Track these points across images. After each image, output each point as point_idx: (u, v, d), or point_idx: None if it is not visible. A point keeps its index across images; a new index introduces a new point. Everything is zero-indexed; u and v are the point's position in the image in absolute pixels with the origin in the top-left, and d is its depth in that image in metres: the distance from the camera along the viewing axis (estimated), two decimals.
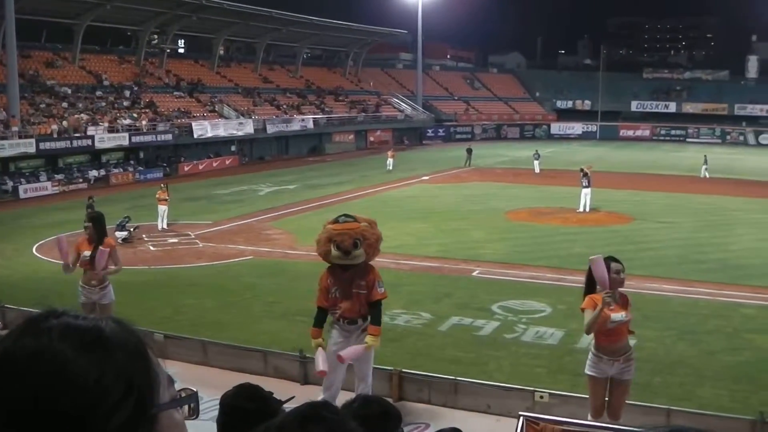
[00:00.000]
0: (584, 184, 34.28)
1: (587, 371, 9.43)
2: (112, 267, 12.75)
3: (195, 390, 1.39)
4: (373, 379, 10.49)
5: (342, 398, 8.32)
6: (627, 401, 9.72)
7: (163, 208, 29.86)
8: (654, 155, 68.83)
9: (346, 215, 10.30)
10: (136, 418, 1.17)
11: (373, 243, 10.03)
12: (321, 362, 9.71)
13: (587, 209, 34.15)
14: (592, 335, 9.39)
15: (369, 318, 10.11)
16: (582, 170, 34.94)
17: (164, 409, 1.24)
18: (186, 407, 1.38)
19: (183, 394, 1.38)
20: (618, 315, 9.07)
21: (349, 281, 9.95)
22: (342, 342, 10.06)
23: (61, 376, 1.13)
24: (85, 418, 1.12)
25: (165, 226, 29.85)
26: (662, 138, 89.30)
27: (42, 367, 1.14)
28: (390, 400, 10.65)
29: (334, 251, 9.79)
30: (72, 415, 1.12)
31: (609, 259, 9.19)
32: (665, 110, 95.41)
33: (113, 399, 1.14)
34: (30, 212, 36.17)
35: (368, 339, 9.90)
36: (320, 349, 9.90)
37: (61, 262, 12.60)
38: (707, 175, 49.88)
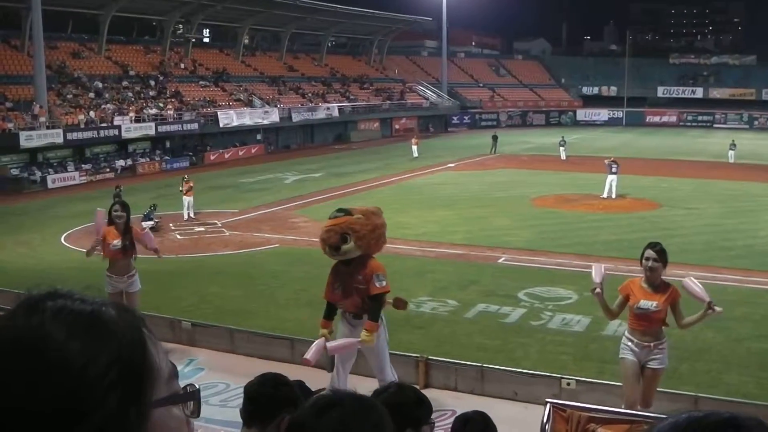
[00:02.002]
0: (612, 170, 34.08)
1: (621, 355, 9.45)
2: (157, 247, 13.75)
3: (198, 387, 1.33)
4: (395, 368, 10.41)
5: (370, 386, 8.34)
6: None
7: (187, 199, 29.95)
8: (680, 141, 68.37)
9: (339, 209, 10.02)
10: (124, 411, 1.10)
11: (366, 234, 9.67)
12: (312, 351, 9.50)
13: (613, 195, 33.98)
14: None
15: (382, 317, 10.00)
16: (610, 159, 34.90)
17: (158, 405, 1.16)
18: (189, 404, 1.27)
19: (189, 389, 1.29)
20: (646, 302, 9.03)
21: (350, 276, 9.75)
22: (348, 336, 9.97)
23: (46, 360, 1.07)
24: (69, 407, 1.06)
25: (192, 215, 29.96)
26: (689, 124, 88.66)
27: (28, 349, 1.09)
28: (416, 387, 10.68)
29: (326, 248, 9.67)
30: (55, 402, 1.06)
31: (648, 246, 9.20)
32: (692, 96, 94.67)
33: (101, 388, 1.08)
34: (58, 202, 36.45)
35: (362, 334, 9.67)
36: (321, 339, 9.71)
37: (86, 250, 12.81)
38: (735, 160, 49.57)
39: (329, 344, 9.54)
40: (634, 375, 9.31)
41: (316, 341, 9.73)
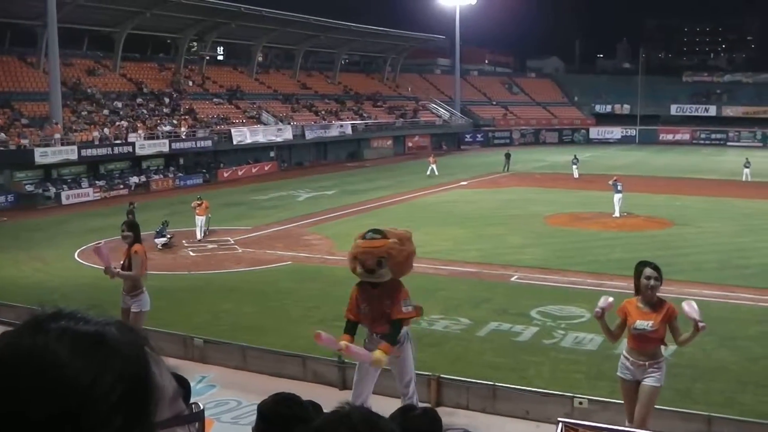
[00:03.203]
0: (618, 188, 34.01)
1: (618, 373, 9.47)
2: (118, 270, 12.67)
3: (202, 408, 1.32)
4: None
5: (387, 405, 8.33)
6: (666, 407, 9.64)
7: (200, 218, 29.69)
8: (694, 159, 68.20)
9: (374, 231, 9.86)
10: (129, 431, 1.10)
11: (401, 261, 9.67)
12: (326, 334, 9.24)
13: (617, 213, 33.85)
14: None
15: (408, 331, 9.90)
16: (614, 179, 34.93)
17: (163, 427, 1.16)
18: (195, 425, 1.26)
19: (194, 409, 1.28)
20: (642, 323, 9.02)
21: (378, 298, 9.68)
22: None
23: (51, 378, 1.08)
24: (74, 425, 1.06)
25: (201, 236, 29.48)
26: (702, 142, 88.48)
27: (31, 368, 1.09)
28: (428, 405, 10.64)
29: (358, 269, 9.59)
30: (59, 420, 1.06)
31: (644, 264, 9.19)
32: (705, 114, 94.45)
33: (106, 407, 1.08)
34: (72, 218, 36.59)
35: (377, 353, 9.42)
36: (341, 342, 9.37)
37: (102, 266, 12.68)
38: (750, 179, 49.46)
39: (352, 347, 9.35)
40: (632, 393, 9.31)
41: (335, 338, 9.44)
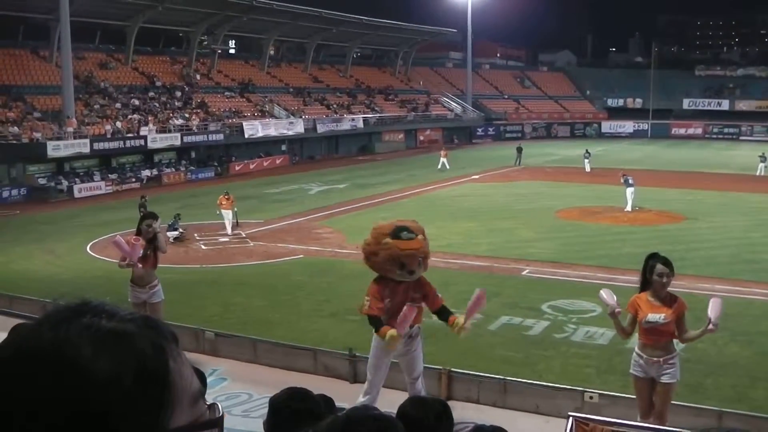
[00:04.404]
0: (629, 182, 33.93)
1: (630, 370, 9.40)
2: (161, 242, 12.94)
3: (222, 413, 1.27)
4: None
5: (393, 397, 8.35)
6: (677, 402, 9.60)
7: (227, 212, 29.40)
8: (706, 153, 67.95)
9: (406, 229, 9.66)
10: None
11: (429, 256, 9.87)
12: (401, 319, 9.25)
13: (628, 208, 33.76)
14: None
15: (420, 327, 9.90)
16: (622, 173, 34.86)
17: None
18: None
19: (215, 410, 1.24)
20: (654, 315, 8.93)
21: (404, 293, 9.63)
22: (387, 349, 9.77)
23: (65, 376, 1.06)
24: (91, 424, 1.05)
25: (231, 231, 29.20)
26: (715, 136, 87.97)
27: (48, 363, 1.07)
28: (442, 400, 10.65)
29: (398, 271, 9.46)
30: (76, 419, 1.05)
31: (655, 259, 9.11)
32: (718, 108, 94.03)
33: (118, 408, 1.06)
34: (84, 211, 36.74)
35: (459, 319, 9.56)
36: (392, 331, 9.27)
37: (118, 260, 12.70)
38: (764, 173, 49.31)
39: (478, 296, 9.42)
40: (645, 391, 9.26)
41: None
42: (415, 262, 9.45)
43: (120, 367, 1.08)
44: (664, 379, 9.09)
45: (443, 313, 9.83)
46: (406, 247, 9.41)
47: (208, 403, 1.25)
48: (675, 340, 9.25)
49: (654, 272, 8.97)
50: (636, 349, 9.36)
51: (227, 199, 29.54)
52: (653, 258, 9.14)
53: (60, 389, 1.06)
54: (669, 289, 9.12)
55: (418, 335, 9.94)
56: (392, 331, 9.26)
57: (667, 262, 9.04)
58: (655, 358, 9.08)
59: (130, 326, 1.15)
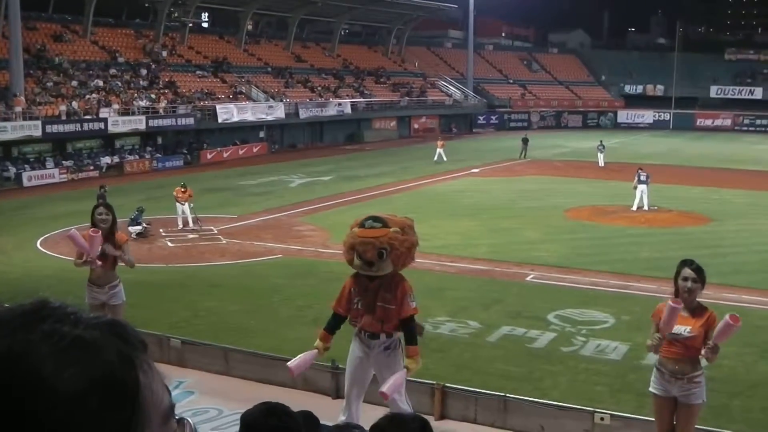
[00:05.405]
0: (641, 179, 33.96)
1: (650, 388, 9.34)
2: (120, 252, 12.51)
3: (194, 430, 1.28)
4: (408, 395, 10.30)
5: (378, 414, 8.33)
6: (700, 427, 9.59)
7: (182, 206, 29.50)
8: (735, 148, 68.12)
9: (374, 218, 9.80)
10: None
11: (404, 252, 9.66)
12: (297, 361, 9.52)
13: (634, 207, 33.85)
14: None
15: (392, 335, 9.83)
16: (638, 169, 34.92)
17: None
18: None
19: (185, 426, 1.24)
20: (679, 327, 8.83)
21: (374, 293, 9.65)
22: (362, 357, 9.87)
23: (30, 390, 1.05)
24: None
25: (188, 224, 29.49)
26: (745, 128, 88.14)
27: (6, 376, 1.06)
28: (431, 418, 10.67)
29: (356, 260, 9.58)
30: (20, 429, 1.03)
31: (684, 264, 9.05)
32: (750, 96, 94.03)
33: (87, 419, 1.05)
34: (35, 202, 36.63)
35: (407, 362, 9.57)
36: (313, 352, 9.68)
37: (74, 258, 12.60)
38: None
39: (385, 389, 9.20)
40: (666, 411, 9.21)
41: (307, 353, 9.68)
42: (371, 251, 9.43)
43: (85, 383, 1.07)
44: (689, 400, 9.03)
45: (407, 331, 9.73)
46: (363, 235, 9.52)
47: (176, 417, 1.24)
48: (701, 357, 9.15)
49: (679, 277, 8.94)
50: (656, 364, 9.31)
51: (183, 191, 29.53)
52: (683, 263, 9.08)
53: (17, 406, 1.04)
54: (700, 300, 9.07)
55: (397, 347, 9.89)
56: (318, 344, 9.72)
57: (695, 268, 8.93)
58: (678, 376, 9.02)
59: (96, 334, 1.13)
